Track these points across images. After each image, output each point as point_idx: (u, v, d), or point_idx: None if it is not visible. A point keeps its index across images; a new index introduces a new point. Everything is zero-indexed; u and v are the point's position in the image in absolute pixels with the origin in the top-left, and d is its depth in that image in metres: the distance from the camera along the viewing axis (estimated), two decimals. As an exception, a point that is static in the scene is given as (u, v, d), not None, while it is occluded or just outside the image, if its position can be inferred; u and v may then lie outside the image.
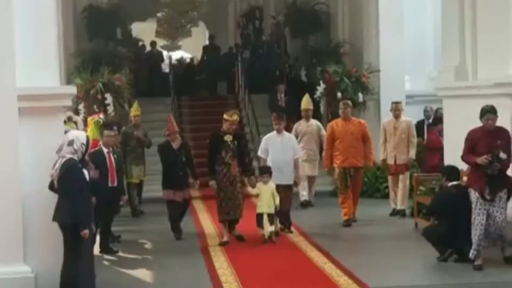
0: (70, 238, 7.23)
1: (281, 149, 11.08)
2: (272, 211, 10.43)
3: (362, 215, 12.25)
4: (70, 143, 7.34)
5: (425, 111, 14.90)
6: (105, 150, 9.98)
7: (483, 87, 10.41)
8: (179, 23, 29.98)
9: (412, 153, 12.58)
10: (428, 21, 16.67)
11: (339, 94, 15.16)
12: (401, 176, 12.61)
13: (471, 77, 11.18)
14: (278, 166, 10.85)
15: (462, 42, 11.31)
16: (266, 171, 10.64)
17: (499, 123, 9.83)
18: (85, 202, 7.27)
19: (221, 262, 9.39)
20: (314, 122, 14.01)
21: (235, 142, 10.51)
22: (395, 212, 12.58)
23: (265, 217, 10.32)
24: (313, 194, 14.15)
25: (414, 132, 12.73)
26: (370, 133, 12.24)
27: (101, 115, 12.27)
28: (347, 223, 11.77)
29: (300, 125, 13.89)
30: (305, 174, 13.58)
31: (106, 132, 10.11)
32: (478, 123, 9.84)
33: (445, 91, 12.02)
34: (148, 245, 10.78)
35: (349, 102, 12.53)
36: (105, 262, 9.56)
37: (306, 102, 14.01)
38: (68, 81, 14.83)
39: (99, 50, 17.12)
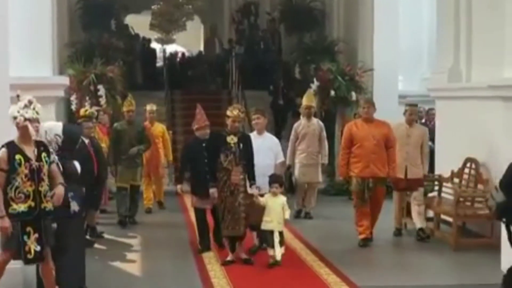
0: None
1: (261, 152, 9.48)
2: (282, 228, 9.10)
3: (351, 214, 12.18)
4: (50, 132, 7.30)
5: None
6: (86, 140, 9.90)
7: (476, 89, 10.43)
8: (174, 17, 29.88)
9: (425, 167, 10.85)
10: (423, 22, 16.71)
11: (332, 92, 15.17)
12: (415, 194, 10.71)
13: (464, 79, 11.20)
14: (257, 172, 9.15)
15: (457, 43, 11.33)
16: (275, 181, 9.11)
17: (491, 126, 9.87)
18: None
19: (210, 257, 9.39)
20: (315, 121, 12.52)
21: (240, 145, 9.01)
22: (399, 233, 10.98)
23: (277, 236, 8.90)
24: (313, 205, 12.45)
25: (428, 142, 10.97)
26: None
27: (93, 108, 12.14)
28: (364, 243, 10.11)
29: (301, 125, 12.34)
30: (305, 180, 12.30)
31: (85, 124, 10.17)
32: (470, 125, 9.86)
33: (438, 92, 12.04)
34: (137, 243, 10.63)
35: (373, 101, 10.58)
36: (96, 257, 9.45)
37: (307, 98, 12.61)
38: (61, 72, 14.77)
39: (93, 41, 17.06)
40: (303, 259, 9.40)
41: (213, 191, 9.11)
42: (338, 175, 10.41)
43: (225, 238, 9.21)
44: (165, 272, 8.81)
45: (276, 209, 8.93)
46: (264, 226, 8.99)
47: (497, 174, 9.40)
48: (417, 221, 10.65)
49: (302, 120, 12.46)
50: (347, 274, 8.52)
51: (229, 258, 9.07)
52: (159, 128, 13.20)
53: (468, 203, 10.43)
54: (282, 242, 8.96)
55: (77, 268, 7.69)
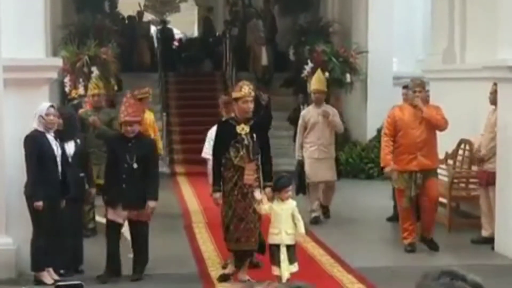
0: (31, 210, 7.33)
1: None
2: (293, 241, 7.24)
3: (347, 197, 12.18)
4: (35, 113, 7.40)
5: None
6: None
7: (470, 70, 10.43)
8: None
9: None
10: (417, 3, 16.64)
11: (326, 74, 15.12)
12: (490, 191, 8.96)
13: (459, 61, 11.20)
14: None
15: (451, 25, 11.31)
16: (289, 184, 7.42)
17: (485, 107, 9.86)
18: (44, 173, 7.27)
19: (204, 239, 9.40)
20: (327, 107, 10.65)
21: (253, 135, 7.35)
22: (485, 240, 9.09)
23: (283, 252, 7.11)
24: (329, 204, 10.71)
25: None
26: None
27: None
28: (411, 248, 8.73)
29: (309, 112, 10.50)
30: (317, 180, 10.45)
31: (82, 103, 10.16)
32: (464, 106, 9.88)
33: (432, 73, 12.02)
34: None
35: (424, 82, 9.11)
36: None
37: (317, 81, 10.70)
38: (55, 53, 14.71)
39: (87, 23, 16.97)
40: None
41: (217, 196, 7.47)
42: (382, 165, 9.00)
43: (233, 254, 7.55)
44: (159, 254, 8.81)
45: (284, 218, 7.18)
46: (271, 239, 7.25)
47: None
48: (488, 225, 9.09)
49: (311, 107, 10.65)
50: (341, 256, 8.51)
51: (227, 270, 7.53)
52: (151, 117, 10.68)
53: (462, 184, 10.46)
54: (293, 259, 7.19)
55: (74, 250, 7.75)
